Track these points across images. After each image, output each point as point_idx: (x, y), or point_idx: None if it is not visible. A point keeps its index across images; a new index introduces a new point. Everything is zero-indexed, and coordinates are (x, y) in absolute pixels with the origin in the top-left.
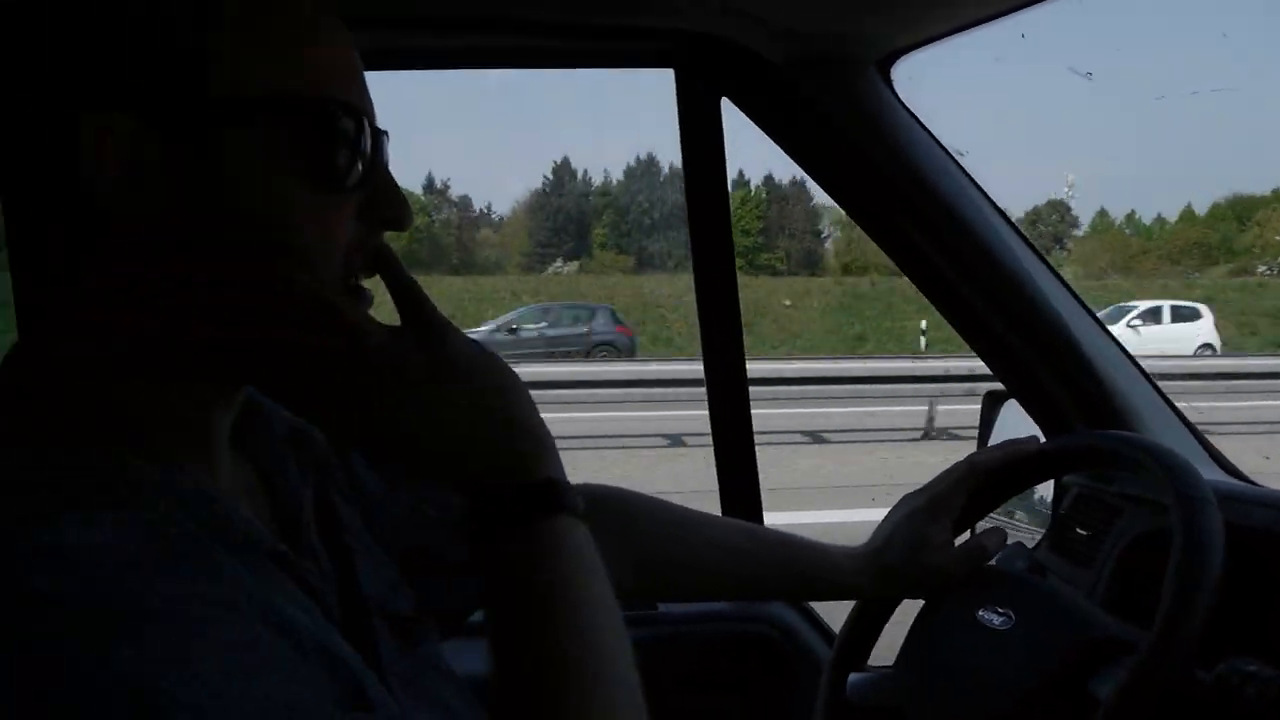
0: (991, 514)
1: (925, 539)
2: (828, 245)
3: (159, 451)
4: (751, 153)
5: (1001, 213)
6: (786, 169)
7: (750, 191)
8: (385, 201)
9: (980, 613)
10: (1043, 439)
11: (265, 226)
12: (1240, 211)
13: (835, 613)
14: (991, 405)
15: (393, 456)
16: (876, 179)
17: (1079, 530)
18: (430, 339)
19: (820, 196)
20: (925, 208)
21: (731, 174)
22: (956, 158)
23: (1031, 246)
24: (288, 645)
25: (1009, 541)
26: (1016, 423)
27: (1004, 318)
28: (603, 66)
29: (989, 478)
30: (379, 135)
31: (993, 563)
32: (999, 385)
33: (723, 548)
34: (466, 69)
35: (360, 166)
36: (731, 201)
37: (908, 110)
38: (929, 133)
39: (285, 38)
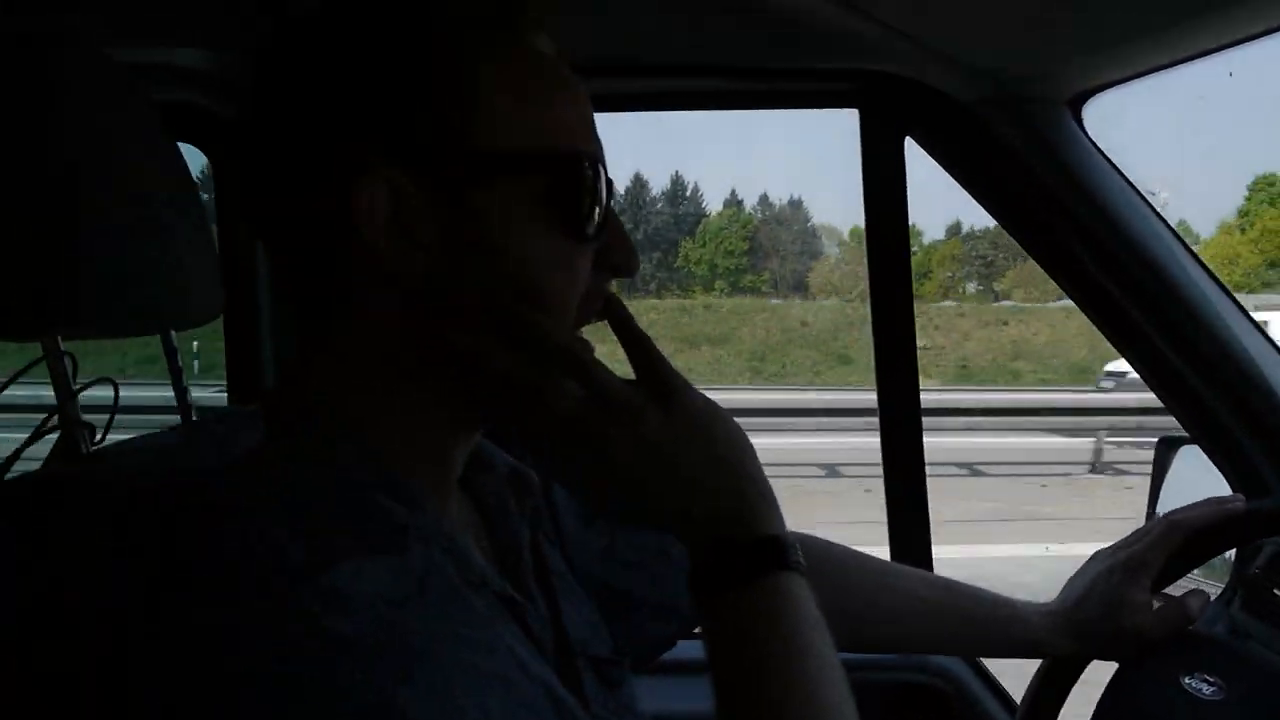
0: None
1: (1123, 598)
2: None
3: (407, 491)
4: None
5: (1193, 254)
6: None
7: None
8: (615, 248)
9: (1185, 679)
10: (1227, 489)
11: (518, 275)
12: None
13: (1001, 667)
14: (1166, 451)
15: (621, 505)
16: (1064, 217)
17: (1276, 591)
18: (666, 393)
19: (819, 217)
20: (1114, 247)
21: (724, 194)
22: (1148, 197)
23: (1225, 289)
24: (529, 686)
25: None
26: (1196, 472)
27: (1193, 361)
28: (790, 107)
29: (1192, 537)
30: (611, 184)
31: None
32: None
33: (918, 600)
34: (660, 111)
35: (599, 215)
36: (720, 220)
37: (1098, 150)
38: (1120, 172)
39: (540, 93)
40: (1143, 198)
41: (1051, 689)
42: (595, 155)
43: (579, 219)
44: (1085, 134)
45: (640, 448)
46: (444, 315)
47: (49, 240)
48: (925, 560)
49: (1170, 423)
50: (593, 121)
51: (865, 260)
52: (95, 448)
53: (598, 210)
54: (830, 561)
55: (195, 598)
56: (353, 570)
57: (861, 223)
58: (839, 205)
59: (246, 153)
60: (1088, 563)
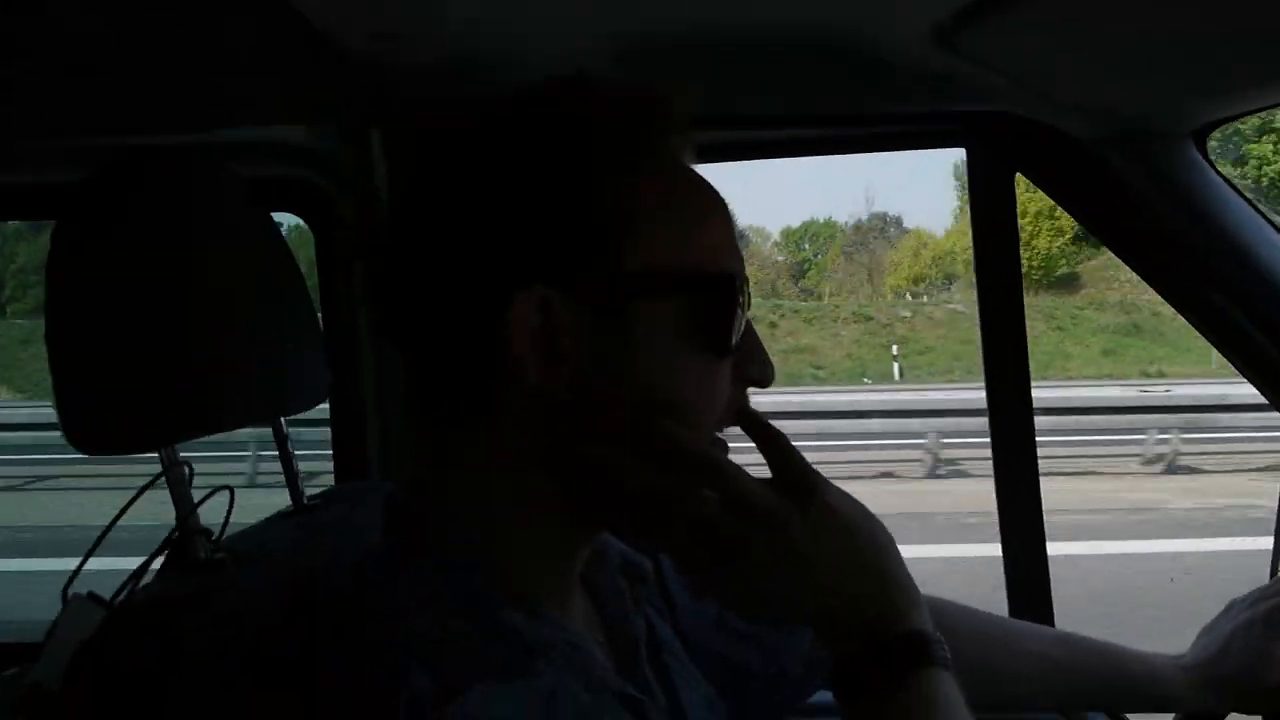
0: None
1: (1266, 652)
2: None
3: (533, 603)
4: None
5: None
6: None
7: None
8: (753, 360)
9: None
10: None
11: (661, 390)
12: None
13: None
14: None
15: (764, 608)
16: (1188, 251)
17: None
18: (805, 493)
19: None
20: (1242, 280)
21: None
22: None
23: None
24: None
25: None
26: None
27: None
28: (897, 149)
29: None
30: (750, 297)
31: None
32: None
33: (1038, 658)
34: (771, 159)
35: (739, 330)
36: None
37: (1225, 179)
38: (1249, 201)
39: (689, 216)
40: (1274, 225)
41: None
42: (739, 274)
43: (725, 337)
44: (1211, 165)
45: (780, 552)
46: (582, 427)
47: (168, 350)
48: (1042, 571)
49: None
50: (735, 239)
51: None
52: (213, 548)
53: (738, 325)
54: (943, 619)
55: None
56: (483, 698)
57: (793, 222)
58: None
59: (385, 257)
60: (1223, 614)
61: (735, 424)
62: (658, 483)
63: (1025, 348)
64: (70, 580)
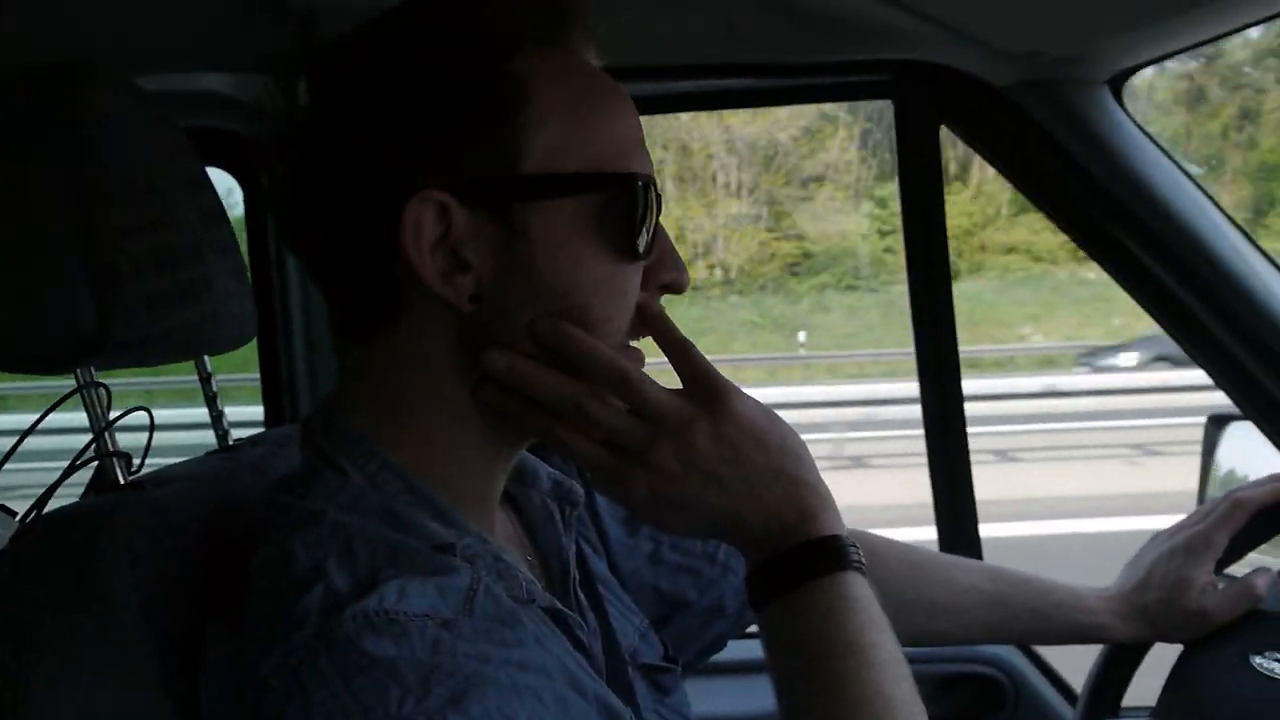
0: None
1: (1186, 580)
2: None
3: (451, 514)
4: None
5: (1241, 229)
6: None
7: None
8: (665, 266)
9: (1255, 659)
10: None
11: (567, 296)
12: None
13: (1056, 655)
14: (1216, 429)
15: (673, 518)
16: (1105, 198)
17: None
18: (714, 401)
19: None
20: (1157, 225)
21: None
22: (1191, 173)
23: (1274, 262)
24: (583, 703)
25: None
26: (1249, 448)
27: (1242, 337)
28: (823, 101)
29: (1257, 515)
30: (660, 201)
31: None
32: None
33: (963, 589)
34: (690, 112)
35: (649, 234)
36: None
37: (1140, 128)
38: (1163, 149)
39: (592, 111)
40: (1188, 175)
41: (1115, 674)
42: (647, 173)
43: (631, 239)
44: (1127, 113)
45: (689, 460)
46: (490, 336)
47: (81, 271)
48: (973, 540)
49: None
50: (642, 138)
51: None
52: (133, 476)
53: (647, 229)
54: (884, 557)
55: (246, 635)
56: (399, 591)
57: None
58: None
59: (289, 176)
60: (1146, 545)
61: (644, 330)
62: (565, 390)
63: (951, 304)
64: None
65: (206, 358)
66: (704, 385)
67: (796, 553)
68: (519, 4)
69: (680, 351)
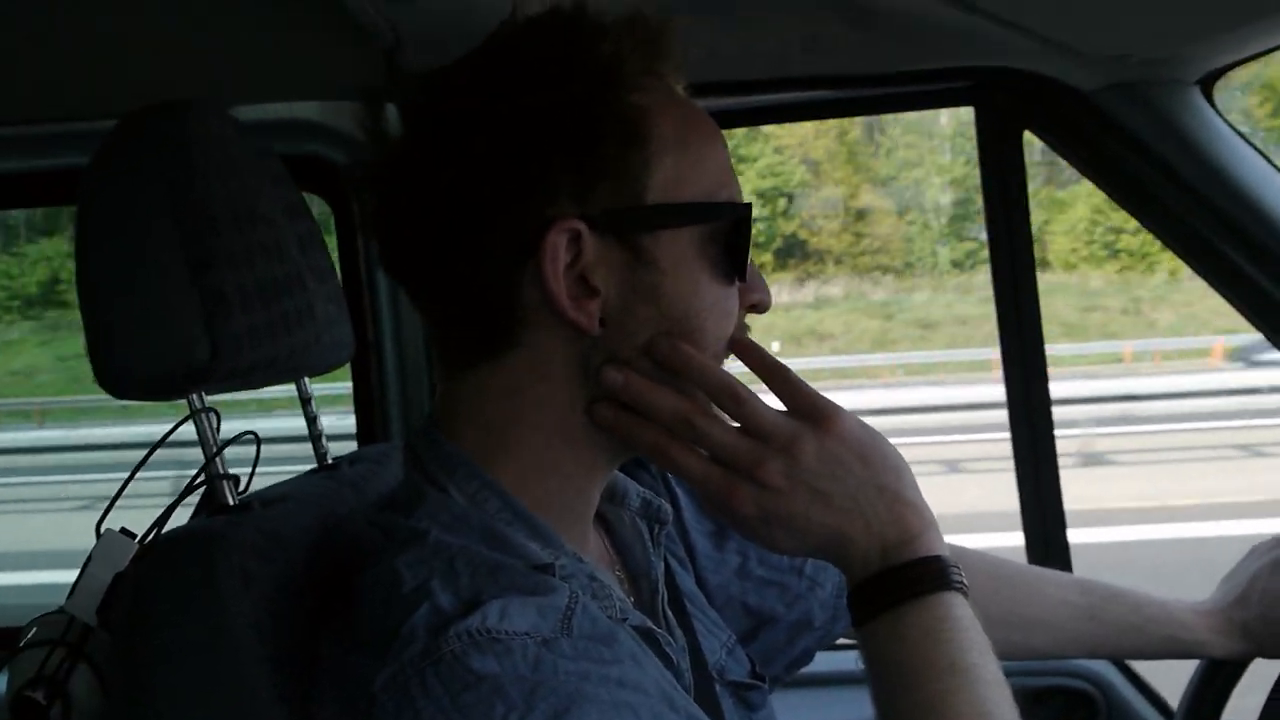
0: None
1: None
2: None
3: (549, 534)
4: None
5: None
6: None
7: None
8: (754, 288)
9: None
10: None
11: (685, 318)
12: None
13: (1152, 671)
14: None
15: (780, 535)
16: (1197, 200)
17: None
18: (818, 419)
19: None
20: (1251, 226)
21: None
22: None
23: None
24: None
25: None
26: None
27: None
28: (904, 110)
29: None
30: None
31: None
32: None
33: (1055, 603)
34: (774, 124)
35: (746, 257)
36: None
37: (1231, 127)
38: (1257, 149)
39: (699, 145)
40: None
41: (1212, 691)
42: (747, 202)
43: (738, 263)
44: (1218, 114)
45: (796, 476)
46: (608, 357)
47: (193, 300)
48: (1062, 549)
49: None
50: (733, 169)
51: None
52: (241, 497)
53: (748, 254)
54: (971, 570)
55: (357, 652)
56: (501, 610)
57: None
58: None
59: (393, 206)
60: (1245, 558)
61: (735, 355)
62: (678, 407)
63: (1037, 306)
64: (103, 517)
65: (306, 379)
66: (808, 404)
67: (899, 572)
68: (631, 36)
69: (779, 375)
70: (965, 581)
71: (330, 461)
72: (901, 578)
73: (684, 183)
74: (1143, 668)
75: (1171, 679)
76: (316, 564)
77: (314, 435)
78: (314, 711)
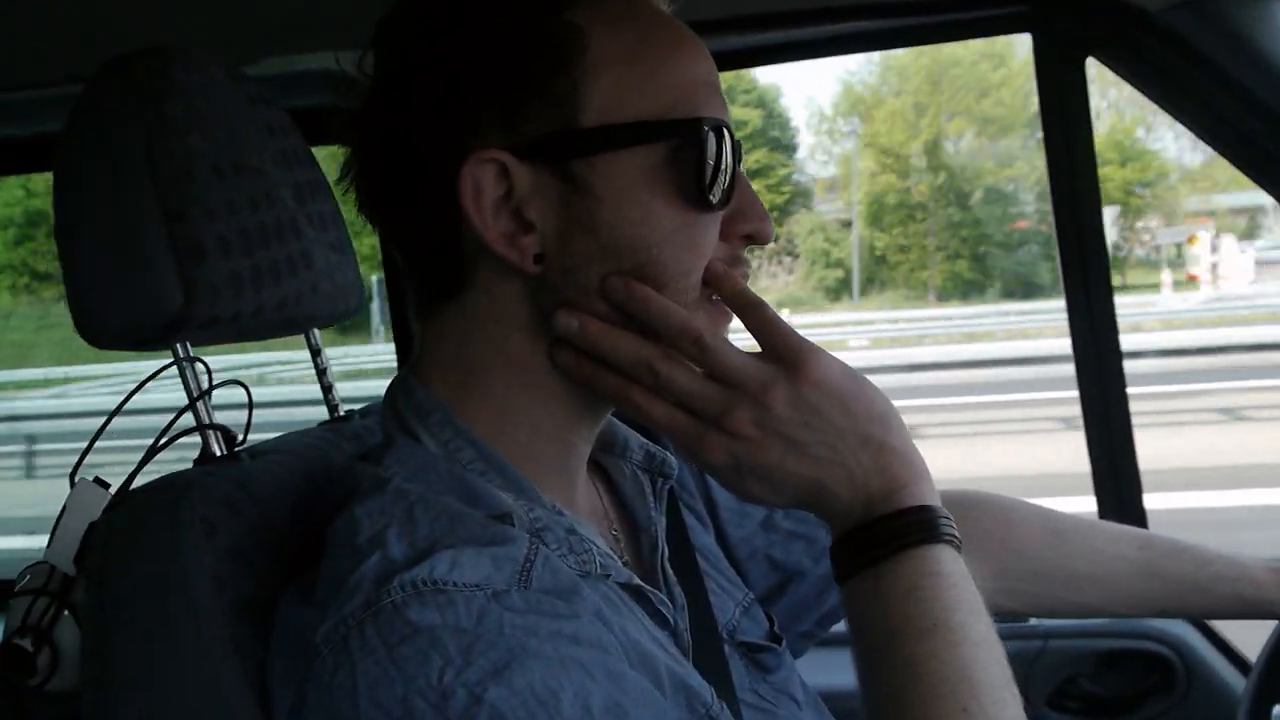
0: None
1: None
2: None
3: (522, 484)
4: None
5: None
6: None
7: None
8: (746, 215)
9: None
10: None
11: (635, 251)
12: None
13: (1241, 631)
14: None
15: (755, 485)
16: (1274, 123)
17: None
18: (793, 363)
19: None
20: None
21: None
22: None
23: None
24: (649, 682)
25: None
26: None
27: None
28: (956, 39)
29: None
30: (738, 147)
31: None
32: None
33: (1110, 558)
34: (835, 56)
35: (723, 182)
36: None
37: None
38: None
39: (654, 58)
40: None
41: None
42: (717, 119)
43: (700, 188)
44: None
45: (767, 425)
46: (560, 299)
47: (166, 249)
48: (1137, 512)
49: None
50: (715, 82)
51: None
52: (240, 448)
53: (721, 177)
54: (1000, 517)
55: (308, 604)
56: (450, 561)
57: None
58: None
59: (359, 148)
60: None
61: (712, 290)
62: (638, 353)
63: (1105, 254)
64: (76, 465)
65: (316, 331)
66: (782, 347)
67: (882, 524)
68: None
69: (753, 312)
70: (956, 534)
71: (343, 414)
72: (884, 530)
73: (627, 102)
74: (1231, 631)
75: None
76: (293, 516)
77: (324, 386)
78: (268, 664)
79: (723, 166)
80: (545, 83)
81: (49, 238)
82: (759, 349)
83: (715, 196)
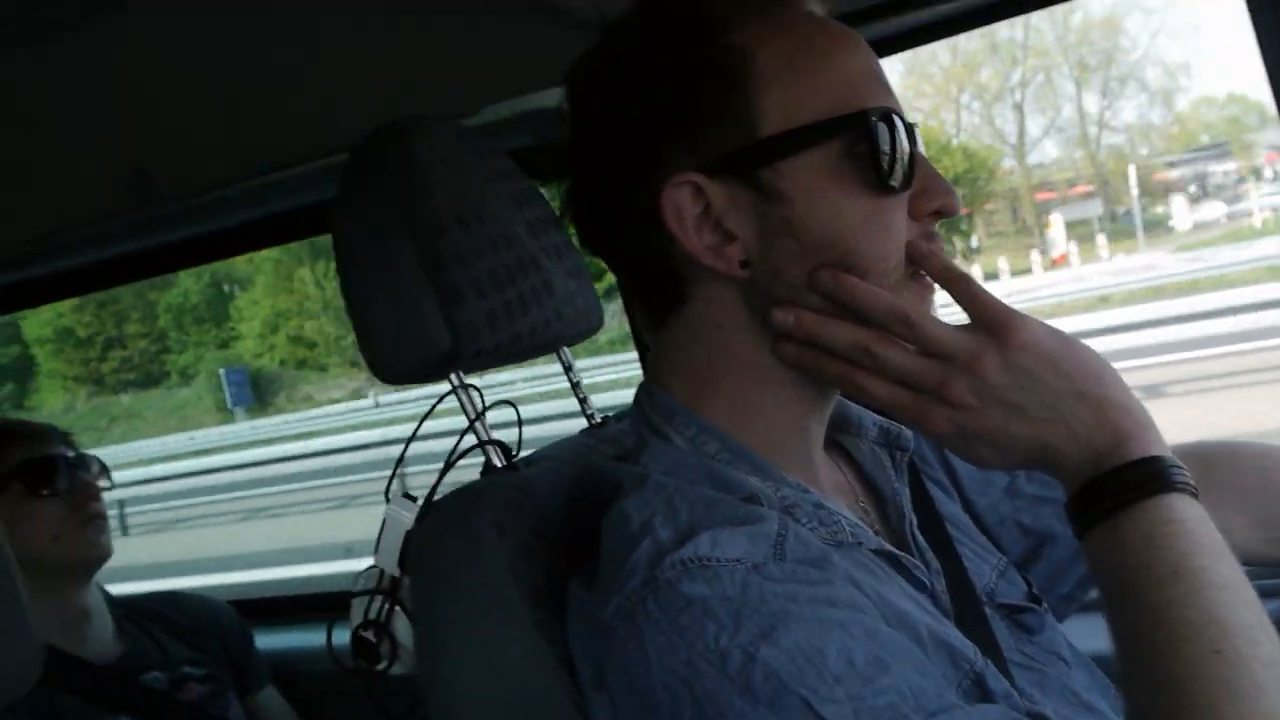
0: None
1: None
2: None
3: (767, 469)
4: None
5: None
6: None
7: None
8: (930, 192)
9: None
10: None
11: (831, 245)
12: None
13: None
14: None
15: (983, 450)
16: None
17: None
18: (1001, 330)
19: None
20: None
21: None
22: None
23: None
24: (908, 639)
25: None
26: None
27: None
28: None
29: None
30: (912, 130)
31: None
32: None
33: None
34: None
35: (902, 165)
36: None
37: None
38: None
39: (814, 60)
40: None
41: None
42: (883, 107)
43: (879, 176)
44: None
45: (984, 393)
46: (772, 298)
47: (431, 297)
48: None
49: None
50: (875, 70)
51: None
52: (520, 458)
53: (899, 161)
54: (1250, 465)
55: (593, 588)
56: (711, 539)
57: None
58: None
59: (571, 186)
60: None
61: (914, 265)
62: (852, 338)
63: None
64: (387, 486)
65: (567, 350)
66: (987, 316)
67: (1113, 477)
68: None
69: (959, 284)
70: (1189, 481)
71: (598, 421)
72: (1115, 483)
73: (797, 108)
74: None
75: None
76: (567, 513)
77: (580, 399)
78: (568, 641)
79: (898, 151)
80: (720, 104)
81: (75, 348)
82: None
83: (896, 181)
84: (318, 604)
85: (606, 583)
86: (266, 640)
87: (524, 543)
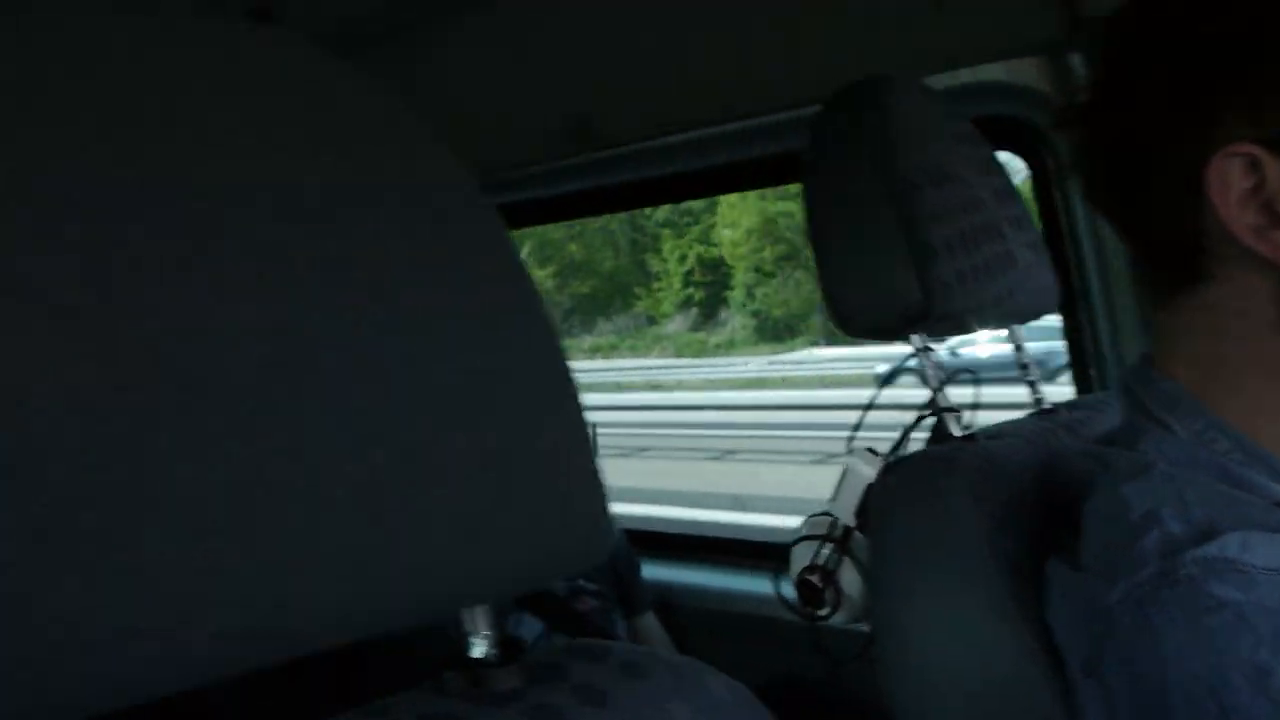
0: None
1: None
2: None
3: (1267, 460)
4: None
5: None
6: None
7: None
8: None
9: None
10: None
11: None
12: None
13: None
14: None
15: None
16: None
17: None
18: None
19: None
20: None
21: None
22: None
23: None
24: None
25: None
26: None
27: None
28: None
29: None
30: None
31: None
32: None
33: None
34: None
35: None
36: None
37: None
38: None
39: None
40: None
41: None
42: None
43: None
44: None
45: None
46: None
47: (904, 253)
48: None
49: None
50: None
51: None
52: (965, 432)
53: None
54: None
55: (1086, 572)
56: (1242, 543)
57: None
58: None
59: (1091, 145)
60: None
61: None
62: None
63: None
64: (850, 440)
65: (1019, 327)
66: None
67: None
68: None
69: None
70: None
71: (1048, 406)
72: None
73: None
74: None
75: None
76: (1037, 491)
77: (1029, 382)
78: (1048, 617)
79: None
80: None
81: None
82: None
83: None
84: (699, 545)
85: (1106, 569)
86: (648, 571)
87: (998, 515)
